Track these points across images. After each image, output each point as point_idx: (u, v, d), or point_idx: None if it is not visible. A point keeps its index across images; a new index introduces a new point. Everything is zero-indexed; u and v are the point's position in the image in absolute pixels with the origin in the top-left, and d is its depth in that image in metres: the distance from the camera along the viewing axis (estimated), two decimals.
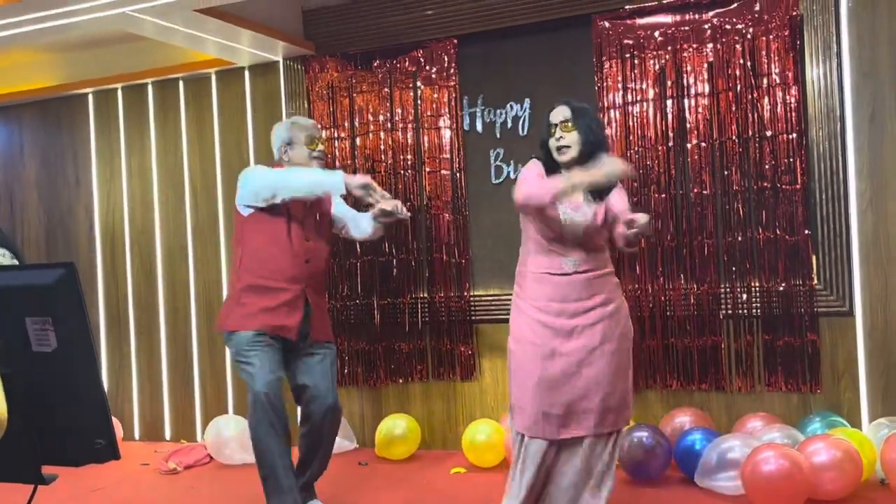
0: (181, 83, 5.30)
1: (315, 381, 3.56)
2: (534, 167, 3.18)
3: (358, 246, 4.82)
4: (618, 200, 3.16)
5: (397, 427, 4.55)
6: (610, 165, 2.99)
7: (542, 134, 3.24)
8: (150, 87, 5.37)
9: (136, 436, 5.41)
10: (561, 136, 3.13)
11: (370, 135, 4.82)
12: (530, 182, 3.13)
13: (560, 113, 3.16)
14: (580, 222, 3.10)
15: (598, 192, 3.14)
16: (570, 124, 3.12)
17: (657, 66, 4.26)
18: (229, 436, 4.67)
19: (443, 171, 4.67)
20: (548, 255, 3.14)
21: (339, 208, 3.85)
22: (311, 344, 3.59)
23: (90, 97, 5.53)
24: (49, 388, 1.81)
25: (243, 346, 3.45)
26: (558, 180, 3.03)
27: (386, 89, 4.78)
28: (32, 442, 1.81)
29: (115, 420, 5.10)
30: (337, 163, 4.88)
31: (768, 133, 4.08)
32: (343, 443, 4.71)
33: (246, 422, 4.57)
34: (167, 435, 5.34)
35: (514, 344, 3.18)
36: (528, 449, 3.12)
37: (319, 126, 3.81)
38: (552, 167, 3.16)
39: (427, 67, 4.70)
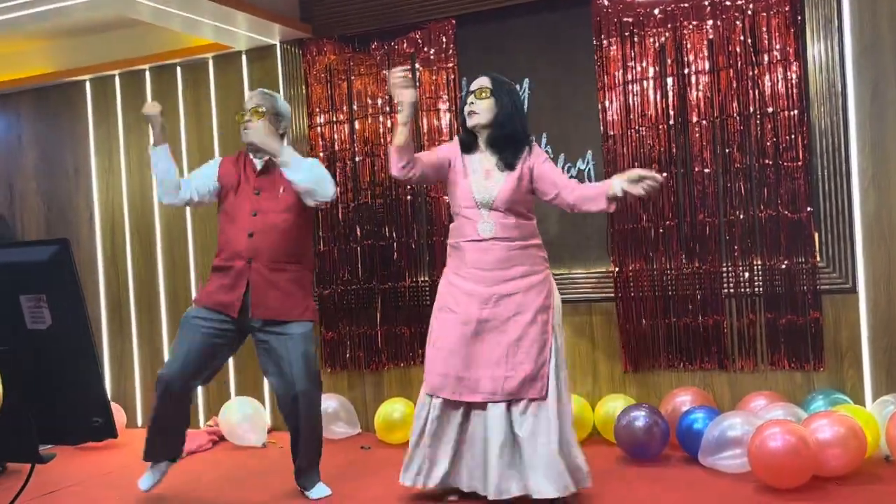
0: (178, 69, 5.27)
1: (278, 368, 3.53)
2: (444, 144, 3.57)
3: (358, 230, 4.80)
4: (550, 170, 3.36)
5: (396, 411, 4.54)
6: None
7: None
8: (147, 73, 5.34)
9: (139, 423, 5.40)
10: (472, 102, 3.37)
11: (369, 118, 4.79)
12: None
13: (478, 82, 3.41)
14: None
15: (508, 163, 3.34)
16: (486, 92, 3.35)
17: (657, 44, 4.23)
18: (241, 417, 4.72)
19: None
20: (465, 222, 3.37)
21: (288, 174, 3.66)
22: (267, 325, 3.53)
23: (88, 84, 5.50)
24: (45, 366, 1.79)
25: (184, 320, 3.62)
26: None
27: (384, 71, 4.75)
28: (29, 421, 1.79)
29: (118, 407, 5.17)
30: (336, 146, 4.85)
31: (769, 110, 4.05)
32: (345, 428, 4.71)
33: (257, 404, 4.79)
34: None
35: (435, 314, 3.44)
36: (424, 410, 3.34)
37: (256, 95, 3.76)
38: (470, 141, 3.42)
39: (425, 49, 4.67)
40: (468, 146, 3.44)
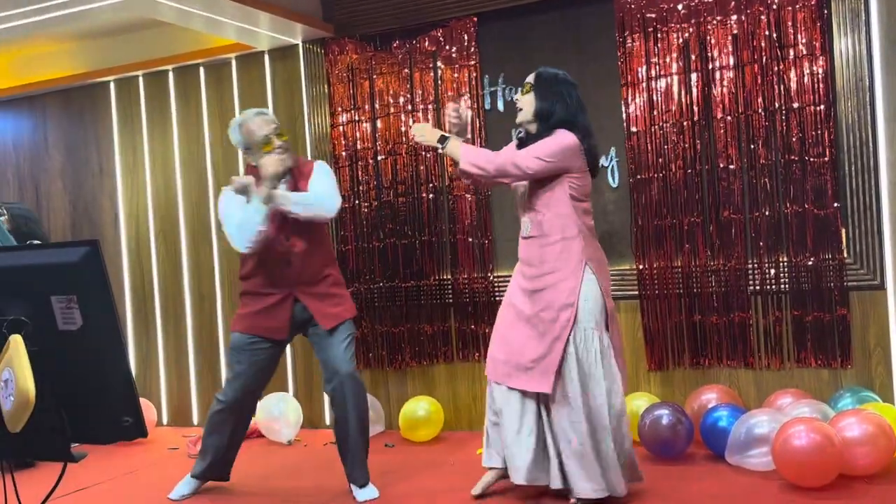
0: (202, 69, 5.30)
1: (328, 355, 3.62)
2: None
3: (381, 228, 4.81)
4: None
5: (420, 409, 4.55)
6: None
7: None
8: (171, 74, 5.38)
9: (165, 421, 5.45)
10: (517, 99, 3.43)
11: (391, 117, 4.79)
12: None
13: (528, 77, 3.43)
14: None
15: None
16: (529, 86, 3.38)
17: (681, 40, 4.20)
18: (279, 413, 4.79)
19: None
20: (521, 221, 3.47)
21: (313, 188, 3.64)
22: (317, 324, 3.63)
23: (112, 85, 5.55)
24: (75, 366, 1.81)
25: (232, 349, 3.71)
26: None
27: (406, 70, 4.76)
28: (61, 420, 1.81)
29: (148, 404, 5.22)
30: (358, 145, 4.86)
31: (795, 105, 4.01)
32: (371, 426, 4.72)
33: (291, 399, 4.91)
34: (195, 420, 5.38)
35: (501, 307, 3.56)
36: (488, 386, 3.47)
37: (266, 120, 3.60)
38: (523, 139, 3.44)
39: (447, 47, 4.67)
40: (522, 142, 3.43)
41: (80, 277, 1.76)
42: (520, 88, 3.43)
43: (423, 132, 3.44)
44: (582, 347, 3.25)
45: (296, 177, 3.63)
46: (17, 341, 1.75)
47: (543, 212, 3.32)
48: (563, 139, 3.26)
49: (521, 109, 3.39)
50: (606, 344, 3.28)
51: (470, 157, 3.34)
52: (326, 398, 4.95)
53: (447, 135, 3.40)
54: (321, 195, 3.55)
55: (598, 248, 3.39)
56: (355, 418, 3.59)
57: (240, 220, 3.48)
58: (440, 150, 3.42)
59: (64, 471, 1.89)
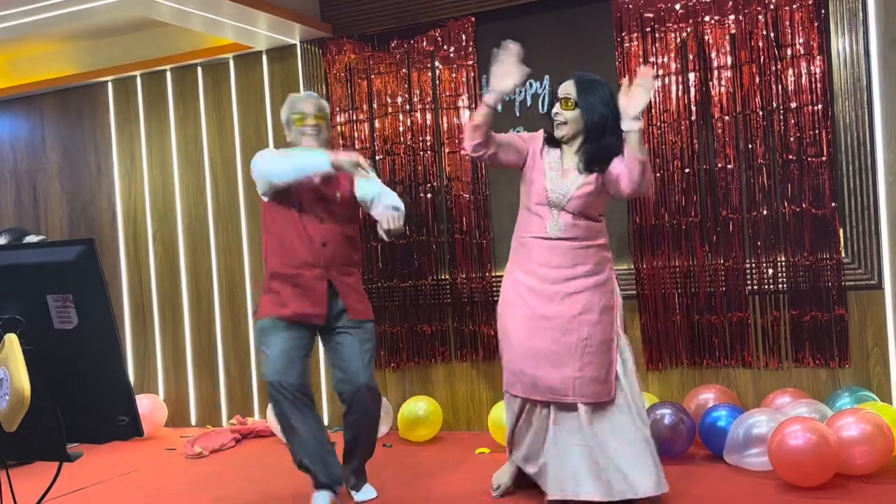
0: (199, 69, 5.30)
1: (344, 363, 3.49)
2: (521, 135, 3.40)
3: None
4: (618, 164, 3.17)
5: (419, 409, 4.54)
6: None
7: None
8: (168, 74, 5.38)
9: (163, 421, 5.44)
10: (558, 113, 3.23)
11: (389, 117, 4.79)
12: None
13: (565, 88, 3.24)
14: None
15: (593, 164, 3.19)
16: (570, 101, 3.19)
17: (678, 40, 4.20)
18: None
19: (462, 152, 4.64)
20: (534, 219, 3.27)
21: (362, 190, 3.57)
22: (345, 323, 3.50)
23: (110, 85, 5.54)
24: (71, 365, 1.81)
25: (264, 332, 3.47)
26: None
27: (404, 70, 4.75)
28: (57, 419, 1.81)
29: (160, 403, 5.22)
30: (356, 145, 4.86)
31: (793, 105, 4.01)
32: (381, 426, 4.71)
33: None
34: (193, 420, 5.37)
35: (502, 307, 3.36)
36: (510, 406, 3.34)
37: (313, 101, 3.55)
38: (555, 140, 3.28)
39: (445, 47, 4.66)
40: (553, 140, 3.30)
41: (75, 276, 1.76)
42: (559, 101, 3.22)
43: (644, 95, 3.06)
44: (624, 347, 3.25)
45: (337, 175, 3.50)
46: (12, 340, 1.75)
47: (590, 214, 3.23)
48: None
49: (563, 123, 3.20)
50: (630, 345, 3.31)
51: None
52: (324, 399, 4.96)
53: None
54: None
55: None
56: (368, 429, 3.56)
57: (299, 159, 3.34)
58: (637, 129, 3.04)
59: (60, 470, 1.89)
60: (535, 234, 3.26)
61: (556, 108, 3.24)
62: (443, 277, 4.72)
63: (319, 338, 3.60)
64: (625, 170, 3.11)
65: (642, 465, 3.13)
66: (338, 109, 4.90)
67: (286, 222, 3.48)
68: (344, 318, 3.51)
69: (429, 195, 4.72)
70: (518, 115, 4.54)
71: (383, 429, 4.67)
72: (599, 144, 3.18)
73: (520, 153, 3.33)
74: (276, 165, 3.40)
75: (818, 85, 3.96)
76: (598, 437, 3.17)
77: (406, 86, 4.76)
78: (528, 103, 4.53)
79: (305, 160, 3.35)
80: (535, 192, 3.26)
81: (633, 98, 3.03)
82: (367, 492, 3.60)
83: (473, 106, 4.59)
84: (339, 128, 4.90)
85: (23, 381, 1.74)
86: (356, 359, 3.47)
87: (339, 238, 3.52)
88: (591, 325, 3.18)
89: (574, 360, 3.16)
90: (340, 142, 4.87)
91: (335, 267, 3.50)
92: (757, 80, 4.07)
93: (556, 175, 3.23)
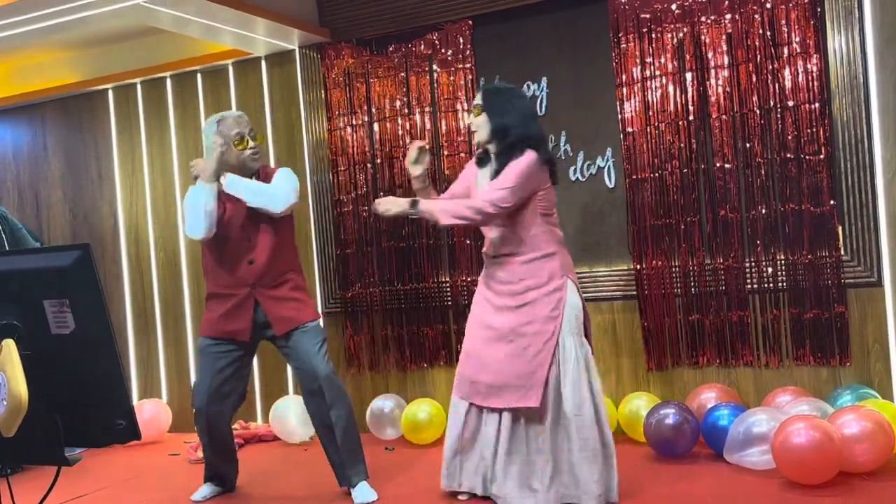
0: (199, 76, 5.32)
1: (300, 361, 3.61)
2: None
3: (379, 232, 4.82)
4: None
5: (422, 412, 4.55)
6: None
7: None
8: (168, 81, 5.40)
9: (167, 427, 5.45)
10: (471, 122, 3.39)
11: (387, 121, 4.80)
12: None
13: (476, 98, 3.39)
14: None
15: (495, 171, 3.31)
16: (477, 109, 3.34)
17: (675, 40, 4.21)
18: (291, 416, 4.80)
19: (461, 155, 4.65)
20: (485, 237, 3.45)
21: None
22: (283, 335, 3.62)
23: (110, 93, 5.57)
24: (68, 370, 1.81)
25: (199, 352, 3.74)
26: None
27: (402, 74, 4.77)
28: (55, 424, 1.82)
29: (166, 407, 5.25)
30: (356, 150, 4.87)
31: (790, 103, 4.01)
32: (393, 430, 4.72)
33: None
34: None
35: (470, 315, 3.52)
36: (454, 408, 3.44)
37: (245, 118, 3.68)
38: (482, 155, 3.43)
39: (442, 50, 4.68)
40: (481, 160, 3.45)
41: (72, 281, 1.77)
42: (470, 112, 3.41)
43: (388, 205, 3.33)
44: (569, 356, 3.24)
45: (262, 179, 3.67)
46: (9, 346, 1.76)
47: (515, 230, 3.30)
48: (523, 161, 3.22)
49: (475, 131, 3.37)
50: (588, 350, 3.31)
51: (449, 212, 3.27)
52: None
53: (416, 199, 3.34)
54: (275, 188, 3.59)
55: (569, 256, 3.43)
56: (341, 422, 3.58)
57: (191, 203, 3.53)
58: (413, 215, 3.34)
59: (58, 474, 1.90)
60: (485, 250, 3.46)
61: (470, 117, 3.41)
62: (443, 280, 4.73)
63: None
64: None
65: (596, 472, 3.20)
66: (336, 114, 4.92)
67: (215, 243, 3.64)
68: (274, 332, 3.64)
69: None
70: None
71: (391, 433, 4.67)
72: (503, 143, 3.29)
73: (470, 187, 3.49)
74: (189, 218, 3.60)
75: (815, 83, 3.97)
76: (515, 444, 3.29)
77: (404, 89, 4.77)
78: None
79: (194, 204, 3.55)
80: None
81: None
82: (367, 494, 3.60)
83: (471, 109, 4.59)
84: (338, 132, 4.92)
85: (20, 386, 1.75)
86: (308, 355, 3.58)
87: (268, 252, 3.62)
88: (529, 336, 3.25)
89: (505, 367, 3.26)
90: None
91: (264, 283, 3.62)
92: (754, 79, 4.07)
93: (484, 191, 3.34)
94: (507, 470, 3.30)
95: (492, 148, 3.36)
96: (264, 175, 3.68)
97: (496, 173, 3.29)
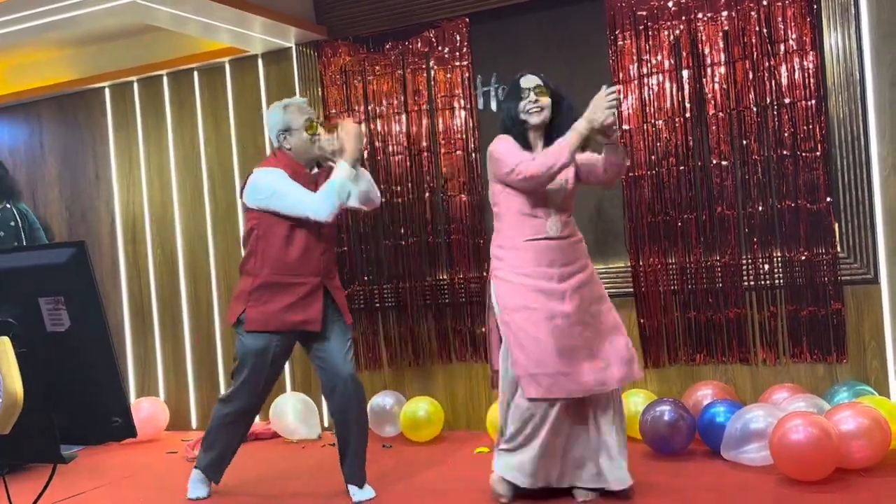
0: (196, 73, 5.31)
1: (331, 357, 3.58)
2: (507, 141, 3.32)
3: (378, 229, 4.82)
4: (581, 155, 3.37)
5: (421, 409, 4.55)
6: (595, 105, 3.18)
7: (507, 103, 3.39)
8: (165, 79, 5.39)
9: (164, 425, 5.45)
10: (537, 100, 3.31)
11: (384, 118, 4.80)
12: (521, 154, 3.25)
13: (532, 80, 3.35)
14: (561, 184, 3.31)
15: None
16: (544, 88, 3.33)
17: (672, 37, 4.21)
18: (290, 414, 4.84)
19: (458, 152, 4.65)
20: (530, 222, 3.28)
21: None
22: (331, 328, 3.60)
23: (107, 91, 5.56)
24: (64, 367, 1.81)
25: (251, 352, 3.53)
26: (561, 143, 3.19)
27: (399, 71, 4.77)
28: (50, 422, 1.82)
29: (161, 404, 5.25)
30: None
31: (787, 100, 4.02)
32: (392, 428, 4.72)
33: (305, 397, 4.94)
34: (193, 424, 5.38)
35: (510, 314, 3.26)
36: (546, 413, 3.21)
37: (306, 104, 3.68)
38: (524, 141, 3.33)
39: (439, 48, 4.68)
40: (525, 146, 3.32)
41: (67, 278, 1.76)
42: (532, 90, 3.29)
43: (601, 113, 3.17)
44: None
45: (326, 174, 3.59)
46: (4, 343, 1.76)
47: (569, 213, 3.38)
48: None
49: (542, 109, 3.30)
50: None
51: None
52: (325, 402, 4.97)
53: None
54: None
55: None
56: (358, 420, 3.59)
57: (328, 188, 3.42)
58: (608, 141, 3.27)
59: (54, 471, 1.90)
60: (533, 236, 3.27)
61: (532, 95, 3.30)
62: (441, 277, 4.73)
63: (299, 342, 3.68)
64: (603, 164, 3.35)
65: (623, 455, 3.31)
66: (334, 111, 4.91)
67: (287, 232, 3.53)
68: (339, 324, 3.62)
69: (427, 194, 4.73)
70: None
71: (390, 430, 4.68)
72: (567, 125, 3.24)
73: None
74: (314, 202, 3.46)
75: (811, 80, 3.97)
76: (603, 426, 3.31)
77: (401, 87, 4.77)
78: None
79: (340, 184, 3.46)
80: (533, 194, 3.26)
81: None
82: (366, 492, 3.61)
83: (468, 106, 4.60)
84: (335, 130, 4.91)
85: (16, 383, 1.74)
86: (339, 352, 3.57)
87: (333, 244, 3.66)
88: (603, 314, 3.31)
89: (601, 349, 3.26)
90: None
91: (329, 274, 3.62)
92: (750, 76, 4.07)
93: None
94: (586, 456, 3.30)
95: (538, 130, 3.34)
96: (322, 172, 3.64)
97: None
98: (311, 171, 3.63)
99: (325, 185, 3.46)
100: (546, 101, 3.32)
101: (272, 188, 3.47)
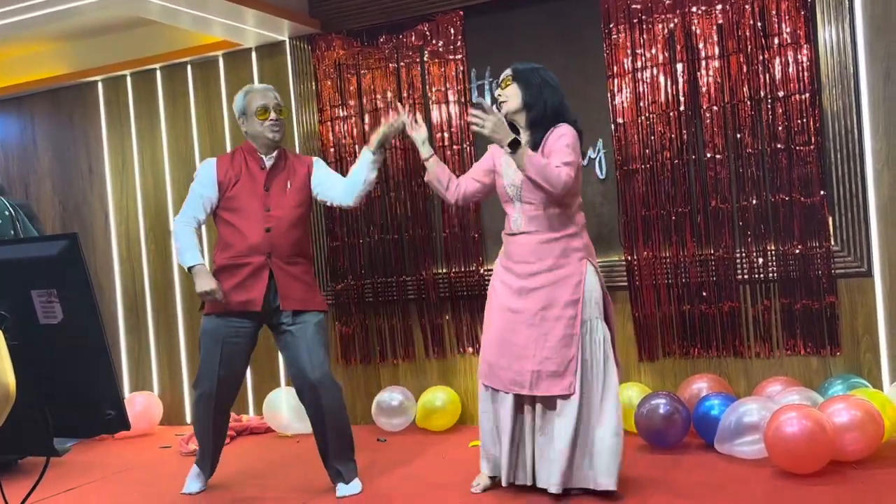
0: (189, 67, 5.29)
1: (295, 356, 3.55)
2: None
3: (371, 224, 4.82)
4: (556, 149, 3.21)
5: (437, 399, 4.56)
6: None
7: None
8: (158, 73, 5.37)
9: (158, 419, 5.44)
10: (499, 94, 3.35)
11: (378, 112, 4.79)
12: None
13: (504, 74, 3.38)
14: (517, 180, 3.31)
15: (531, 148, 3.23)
16: (508, 80, 3.33)
17: (666, 31, 4.20)
18: (284, 408, 4.81)
19: (452, 146, 4.64)
20: (507, 217, 3.39)
21: (318, 177, 3.74)
22: (288, 316, 3.56)
23: (100, 84, 5.54)
24: (57, 360, 1.81)
25: (205, 334, 3.63)
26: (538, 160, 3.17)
27: (393, 65, 4.76)
28: (43, 414, 1.81)
29: (158, 401, 5.25)
30: (346, 141, 4.86)
31: (781, 94, 4.02)
32: (401, 420, 4.69)
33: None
34: (187, 418, 5.37)
35: (488, 300, 3.46)
36: (481, 396, 3.39)
37: (274, 95, 3.68)
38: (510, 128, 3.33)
39: (433, 41, 4.67)
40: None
41: (59, 271, 1.76)
42: (498, 84, 3.38)
43: (494, 126, 3.12)
44: (588, 340, 3.23)
45: (293, 165, 3.67)
46: None
47: (542, 207, 3.24)
48: (570, 134, 3.21)
49: (504, 102, 3.31)
50: (607, 334, 3.29)
51: (536, 166, 3.11)
52: None
53: (518, 138, 3.16)
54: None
55: (590, 241, 3.40)
56: (333, 424, 3.55)
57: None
58: (506, 150, 3.14)
59: (47, 465, 1.90)
60: (505, 230, 3.40)
61: (497, 91, 3.38)
62: (435, 272, 4.72)
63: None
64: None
65: (611, 459, 3.18)
66: (327, 105, 4.90)
67: (231, 215, 3.64)
68: (281, 308, 3.57)
69: (420, 189, 4.72)
70: None
71: (403, 420, 4.65)
72: (532, 113, 3.27)
73: (489, 168, 3.46)
74: (175, 239, 3.73)
75: (805, 74, 3.97)
76: (550, 432, 3.24)
77: (395, 80, 4.76)
78: None
79: (182, 256, 3.63)
80: (500, 190, 3.40)
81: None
82: (352, 487, 3.60)
83: (462, 100, 4.60)
84: (329, 123, 4.90)
85: (8, 376, 1.73)
86: (306, 352, 3.52)
87: (287, 225, 3.61)
88: (551, 321, 3.21)
89: (534, 353, 3.22)
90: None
91: (278, 255, 3.58)
92: (744, 69, 4.07)
93: (510, 170, 3.32)
94: (543, 454, 3.27)
95: (520, 120, 3.31)
96: (285, 158, 3.69)
97: (535, 145, 3.23)
98: (267, 156, 3.66)
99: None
100: (510, 91, 3.30)
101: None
